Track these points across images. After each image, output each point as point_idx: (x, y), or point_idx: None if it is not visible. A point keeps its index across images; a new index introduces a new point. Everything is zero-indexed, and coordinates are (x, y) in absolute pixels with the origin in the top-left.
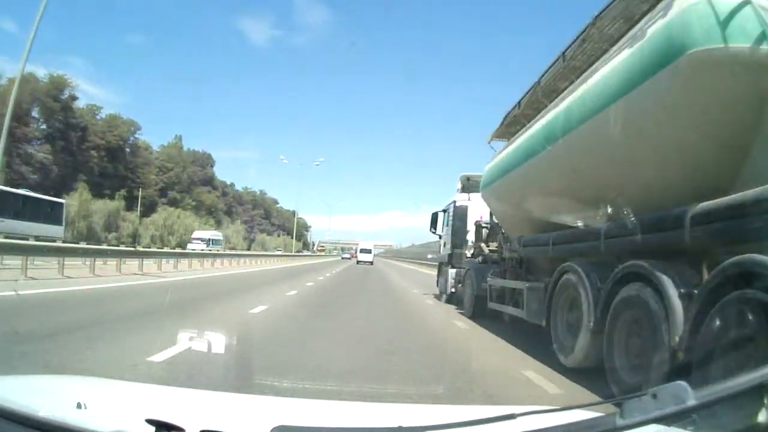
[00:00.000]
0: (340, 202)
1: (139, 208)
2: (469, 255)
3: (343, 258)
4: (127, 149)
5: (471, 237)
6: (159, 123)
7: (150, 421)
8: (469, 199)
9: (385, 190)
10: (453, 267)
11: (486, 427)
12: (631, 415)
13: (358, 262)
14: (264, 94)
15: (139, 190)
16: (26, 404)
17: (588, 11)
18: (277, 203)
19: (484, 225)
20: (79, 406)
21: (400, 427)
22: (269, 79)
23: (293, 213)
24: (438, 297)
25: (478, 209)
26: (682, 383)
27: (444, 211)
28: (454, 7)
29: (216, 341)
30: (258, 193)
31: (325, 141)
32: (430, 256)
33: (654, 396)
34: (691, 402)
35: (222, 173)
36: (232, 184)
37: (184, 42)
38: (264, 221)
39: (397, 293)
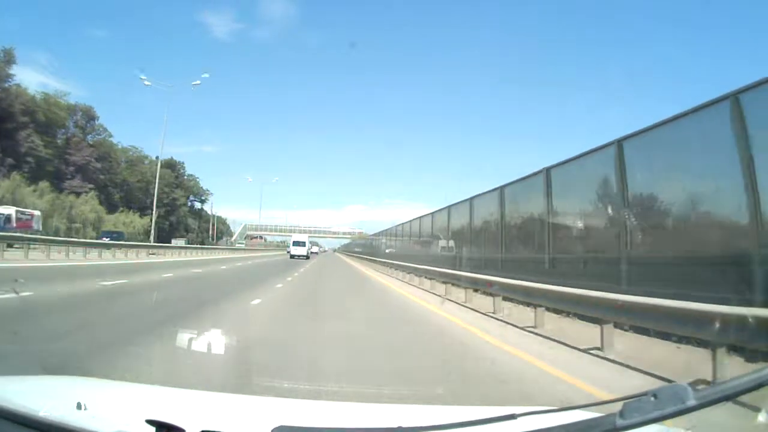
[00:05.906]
0: (275, 179)
1: None
2: None
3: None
4: None
5: None
6: (122, 119)
7: (150, 422)
8: None
9: (346, 185)
10: None
11: (486, 428)
12: (631, 416)
13: (291, 256)
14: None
15: None
16: (26, 405)
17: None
18: (118, 140)
19: None
20: (79, 406)
21: (399, 428)
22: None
23: (195, 181)
24: None
25: None
26: (683, 384)
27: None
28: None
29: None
30: (40, 99)
31: (284, 137)
32: None
33: (654, 396)
34: (691, 402)
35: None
36: None
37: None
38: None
39: None
